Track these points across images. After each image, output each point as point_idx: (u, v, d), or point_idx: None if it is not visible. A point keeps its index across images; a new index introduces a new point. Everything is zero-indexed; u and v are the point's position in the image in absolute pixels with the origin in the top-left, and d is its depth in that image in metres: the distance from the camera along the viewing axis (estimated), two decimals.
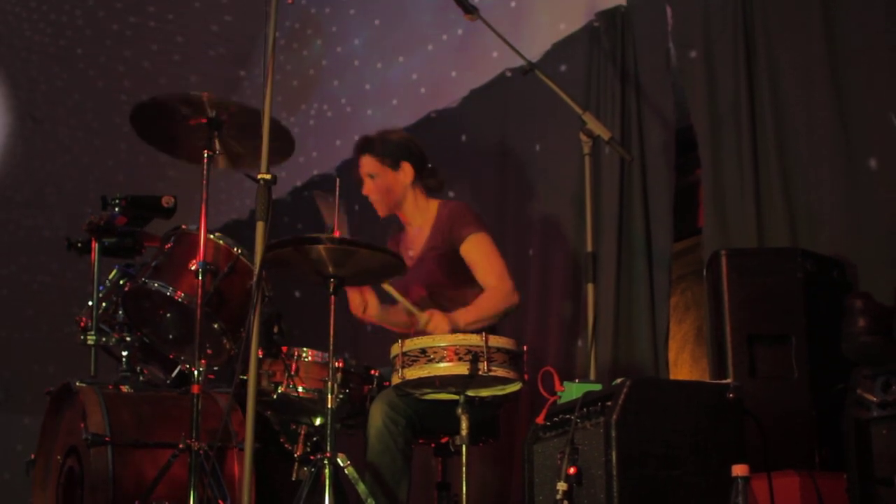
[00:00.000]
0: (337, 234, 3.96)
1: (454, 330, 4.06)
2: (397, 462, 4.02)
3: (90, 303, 4.64)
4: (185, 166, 4.29)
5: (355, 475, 3.79)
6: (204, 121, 4.01)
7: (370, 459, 4.04)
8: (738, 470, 2.74)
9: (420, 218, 4.61)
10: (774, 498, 3.09)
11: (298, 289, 6.73)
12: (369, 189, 4.60)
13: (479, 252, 4.42)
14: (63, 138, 8.49)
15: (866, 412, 2.97)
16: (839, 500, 3.10)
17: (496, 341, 3.58)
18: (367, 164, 4.59)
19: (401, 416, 4.03)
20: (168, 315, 4.37)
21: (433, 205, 4.61)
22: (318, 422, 4.17)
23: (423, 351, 3.59)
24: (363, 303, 4.52)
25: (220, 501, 3.86)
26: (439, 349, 3.58)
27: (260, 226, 3.41)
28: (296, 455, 4.15)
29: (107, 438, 4.01)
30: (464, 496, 3.62)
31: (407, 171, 4.57)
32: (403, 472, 4.04)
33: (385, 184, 4.57)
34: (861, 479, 2.95)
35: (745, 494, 2.72)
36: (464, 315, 4.22)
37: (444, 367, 3.56)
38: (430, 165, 4.66)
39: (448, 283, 4.45)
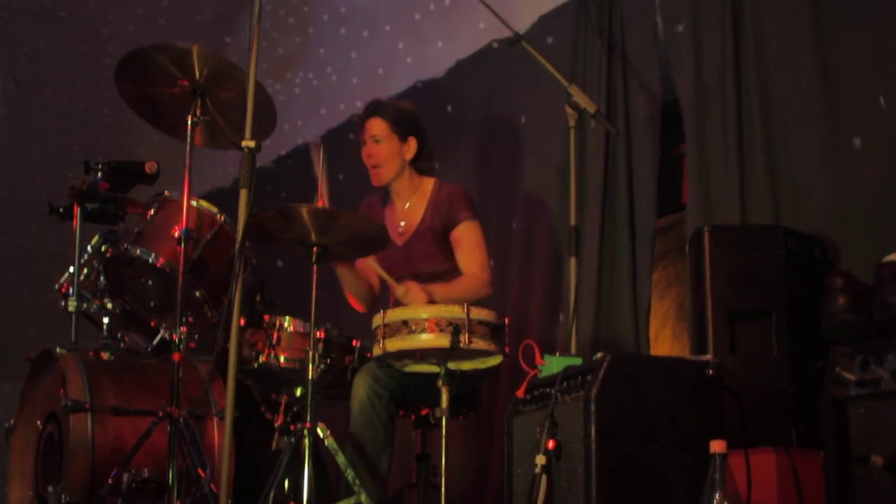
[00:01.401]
0: (321, 204, 3.95)
1: (430, 302, 4.07)
2: (380, 434, 4.04)
3: (71, 269, 4.62)
4: (170, 124, 4.24)
5: (335, 446, 3.80)
6: (187, 83, 3.96)
7: (353, 431, 4.04)
8: (716, 446, 2.75)
9: (414, 195, 4.60)
10: (751, 474, 3.11)
11: (281, 258, 6.71)
12: (371, 151, 4.56)
13: (468, 238, 4.44)
14: (46, 101, 8.44)
15: (844, 390, 2.98)
16: (815, 477, 3.12)
17: (477, 313, 3.58)
18: (376, 125, 4.56)
19: (384, 389, 4.04)
20: (150, 282, 4.37)
21: (428, 183, 4.60)
22: (298, 392, 4.18)
23: (405, 322, 3.59)
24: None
25: (199, 470, 3.87)
26: (420, 321, 3.57)
27: (243, 194, 3.40)
28: (276, 425, 4.15)
29: (87, 405, 4.01)
30: (443, 468, 3.63)
31: (411, 146, 4.57)
32: (385, 444, 4.05)
33: (389, 150, 4.54)
34: (837, 457, 2.96)
35: (721, 471, 2.73)
36: (440, 289, 4.22)
37: (426, 339, 3.56)
38: (428, 149, 4.64)
39: (443, 262, 4.45)
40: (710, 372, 3.18)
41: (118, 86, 4.06)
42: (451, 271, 4.43)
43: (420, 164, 4.62)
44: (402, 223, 4.58)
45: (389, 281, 4.21)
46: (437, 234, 4.47)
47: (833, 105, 4.15)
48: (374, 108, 4.59)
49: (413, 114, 4.63)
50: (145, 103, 4.12)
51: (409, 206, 4.59)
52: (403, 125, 4.56)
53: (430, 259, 4.45)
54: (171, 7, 8.12)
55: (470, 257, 4.42)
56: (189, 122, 3.95)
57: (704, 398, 3.16)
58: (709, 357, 3.32)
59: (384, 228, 4.06)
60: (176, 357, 3.86)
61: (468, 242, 4.44)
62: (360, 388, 4.05)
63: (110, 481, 3.88)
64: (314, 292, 3.87)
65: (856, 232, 4.00)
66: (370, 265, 4.35)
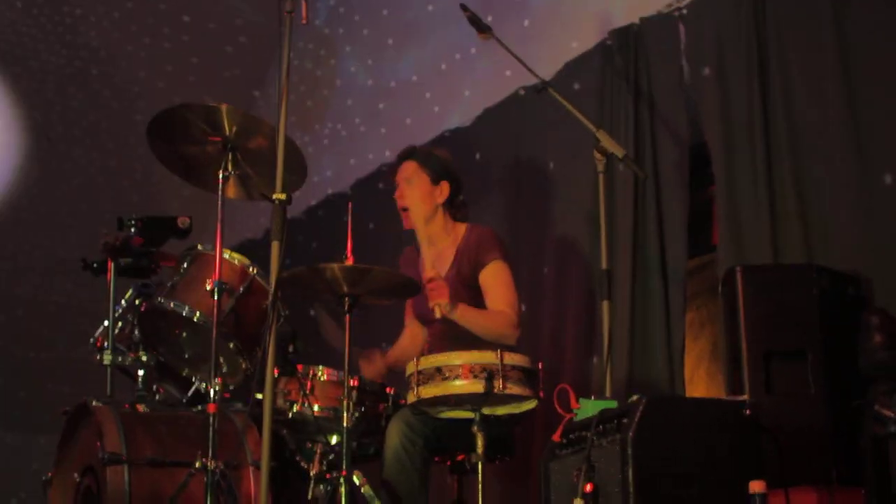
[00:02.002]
0: (350, 261, 3.98)
1: (448, 306, 4.17)
2: (414, 482, 4.02)
3: (106, 322, 4.65)
4: (201, 179, 4.29)
5: (371, 493, 3.79)
6: (219, 139, 4.01)
7: (386, 478, 4.03)
8: (756, 486, 2.74)
9: (446, 239, 4.61)
10: None
11: (313, 308, 6.74)
12: (403, 194, 4.60)
13: (496, 279, 4.44)
14: (78, 159, 8.53)
15: (884, 428, 2.97)
16: None
17: (511, 359, 3.58)
18: (409, 168, 4.62)
19: (418, 436, 4.03)
20: (184, 334, 4.39)
21: (460, 228, 4.62)
22: (333, 440, 4.17)
23: (439, 369, 3.59)
24: (377, 367, 4.55)
25: None
26: (454, 367, 3.58)
27: (275, 245, 3.41)
28: (312, 474, 4.14)
29: (123, 457, 4.02)
30: None
31: (444, 189, 4.60)
32: (420, 492, 4.04)
33: (421, 192, 4.58)
34: (879, 496, 2.94)
35: None
36: (466, 307, 4.27)
37: (460, 385, 3.56)
38: (461, 197, 4.67)
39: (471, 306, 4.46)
40: (747, 412, 3.17)
41: (150, 144, 4.11)
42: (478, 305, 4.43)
43: (454, 211, 4.64)
44: (433, 269, 4.58)
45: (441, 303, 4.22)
46: (465, 278, 4.47)
47: (862, 142, 4.15)
48: (407, 153, 4.67)
49: (446, 160, 4.68)
50: (177, 160, 4.16)
51: (439, 252, 4.60)
52: (436, 169, 4.60)
53: (457, 300, 4.45)
54: (200, 64, 8.22)
55: (498, 296, 4.41)
56: (220, 177, 3.99)
57: (742, 439, 3.15)
58: (745, 397, 3.32)
59: (412, 279, 4.08)
60: (211, 408, 3.86)
61: (496, 282, 4.43)
62: (394, 435, 4.04)
63: None
64: (347, 341, 3.89)
65: (889, 268, 3.98)
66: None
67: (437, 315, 4.22)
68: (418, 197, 4.58)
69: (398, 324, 4.95)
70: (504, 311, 4.37)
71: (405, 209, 4.61)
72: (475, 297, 4.46)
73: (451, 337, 4.30)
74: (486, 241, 4.50)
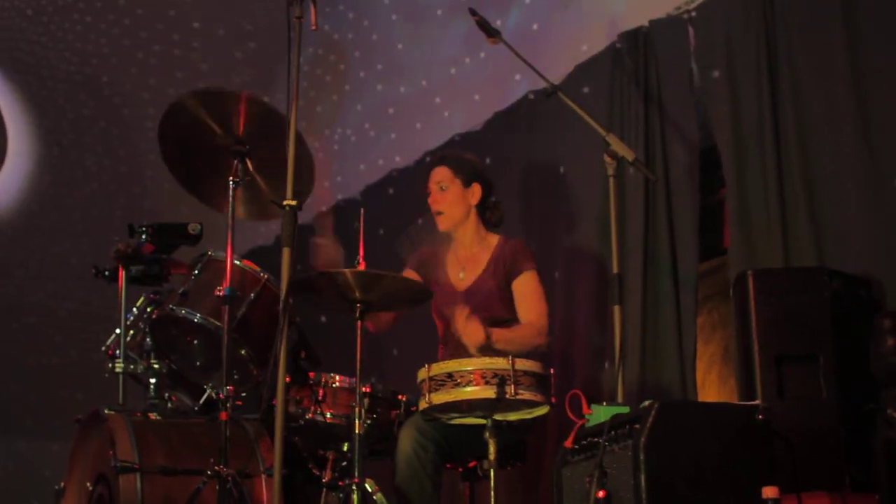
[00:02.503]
0: (362, 266, 3.98)
1: (485, 341, 4.10)
2: (426, 488, 4.02)
3: (118, 330, 4.66)
4: (210, 191, 4.30)
5: (384, 501, 3.79)
6: (229, 143, 4.01)
7: (398, 485, 4.03)
8: (768, 492, 2.73)
9: (477, 246, 4.62)
10: None
11: (325, 314, 6.74)
12: (436, 198, 4.62)
13: (528, 287, 4.46)
14: (89, 166, 8.55)
15: None
16: None
17: (523, 364, 3.57)
18: (441, 173, 4.63)
19: (430, 442, 4.03)
20: (195, 342, 4.39)
21: (493, 238, 4.63)
22: (345, 447, 4.18)
23: (450, 375, 3.59)
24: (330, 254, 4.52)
25: None
26: (466, 373, 3.57)
27: (286, 252, 3.41)
28: (324, 481, 4.15)
29: (136, 466, 4.02)
30: None
31: (476, 191, 4.62)
32: (432, 498, 4.04)
33: (454, 196, 4.59)
34: (892, 500, 2.93)
35: None
36: (498, 332, 4.23)
37: (471, 391, 3.56)
38: (494, 199, 4.68)
39: (503, 312, 4.46)
40: (759, 417, 3.16)
41: (161, 149, 4.13)
42: (510, 321, 4.44)
43: (488, 215, 4.66)
44: (462, 272, 4.58)
45: (457, 309, 4.23)
46: (500, 284, 4.49)
47: (873, 144, 4.14)
48: (439, 158, 4.73)
49: (477, 162, 4.74)
50: (187, 168, 4.18)
51: (474, 255, 4.62)
52: (467, 171, 4.63)
53: (490, 307, 4.46)
54: (209, 70, 8.24)
55: (529, 306, 4.44)
56: (231, 184, 3.99)
57: (754, 443, 3.13)
58: (757, 402, 3.31)
59: (424, 287, 4.08)
60: (223, 416, 3.87)
61: (528, 291, 4.46)
62: (406, 441, 4.04)
63: None
64: (359, 348, 3.89)
65: None
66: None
67: (473, 352, 4.19)
68: (451, 200, 4.60)
69: (409, 330, 4.95)
70: (532, 322, 4.40)
71: (439, 213, 4.62)
72: (507, 301, 4.47)
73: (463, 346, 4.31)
74: (520, 251, 4.53)
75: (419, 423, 4.02)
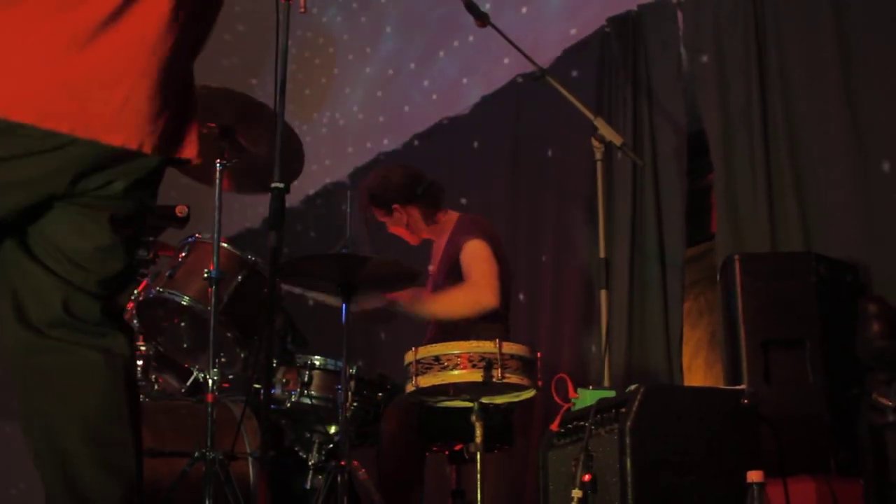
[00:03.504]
0: (347, 248, 3.96)
1: (415, 308, 4.27)
2: (411, 468, 4.03)
3: None
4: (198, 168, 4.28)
5: (369, 483, 3.79)
6: (214, 125, 3.99)
7: (382, 465, 4.04)
8: (754, 476, 2.73)
9: (437, 235, 4.66)
10: None
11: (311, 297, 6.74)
12: (392, 230, 4.71)
13: (471, 256, 4.38)
14: None
15: (882, 417, 2.96)
16: None
17: (510, 348, 3.57)
18: (375, 213, 4.67)
19: (415, 422, 4.04)
20: (182, 324, 4.38)
21: (452, 218, 4.62)
22: (332, 430, 4.18)
23: (437, 358, 3.58)
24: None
25: None
26: (453, 356, 3.57)
27: (273, 234, 3.41)
28: (310, 463, 4.15)
29: None
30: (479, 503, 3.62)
31: (398, 212, 4.61)
32: (416, 478, 4.04)
33: (395, 228, 4.68)
34: (877, 485, 2.94)
35: (760, 500, 2.71)
36: (432, 298, 4.32)
37: (458, 375, 3.55)
38: (419, 191, 4.62)
39: None
40: (745, 401, 3.16)
41: None
42: None
43: (426, 204, 4.61)
44: (433, 262, 4.63)
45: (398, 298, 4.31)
46: (451, 266, 4.47)
47: (860, 130, 4.14)
48: (363, 197, 4.67)
49: (379, 185, 4.63)
50: None
51: (438, 246, 4.65)
52: (381, 203, 4.61)
53: (441, 289, 4.48)
54: None
55: (470, 271, 4.37)
56: (218, 166, 3.98)
57: (740, 428, 3.14)
58: (743, 386, 3.31)
59: (410, 268, 4.06)
60: (209, 398, 3.86)
61: (470, 259, 4.38)
62: (391, 421, 4.05)
63: None
64: (345, 330, 3.89)
65: (887, 256, 3.98)
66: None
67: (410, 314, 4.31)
68: (396, 229, 4.68)
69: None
70: (473, 282, 4.33)
71: (405, 240, 4.74)
72: (456, 281, 4.45)
73: (449, 328, 4.31)
74: (464, 226, 4.51)
75: (405, 404, 4.02)
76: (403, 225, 4.64)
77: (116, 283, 2.39)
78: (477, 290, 4.31)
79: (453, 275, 4.44)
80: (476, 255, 4.39)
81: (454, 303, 4.31)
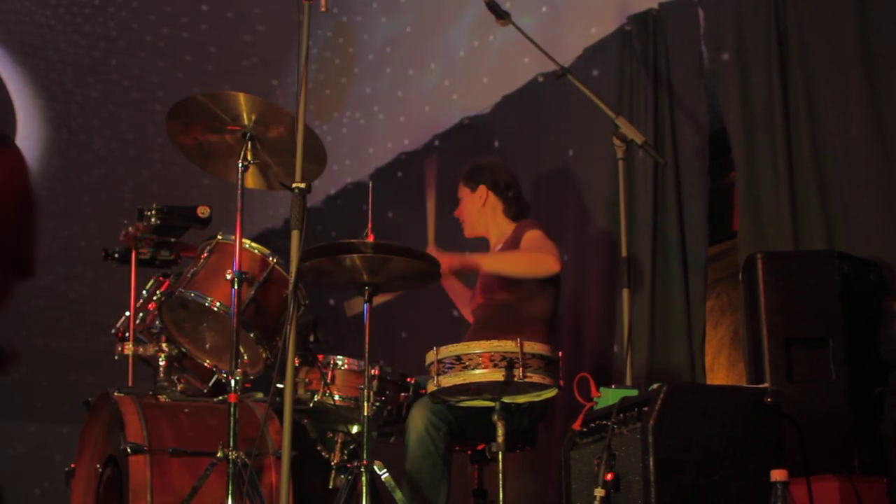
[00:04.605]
0: (371, 238, 3.96)
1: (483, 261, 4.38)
2: (438, 467, 4.04)
3: (127, 313, 4.67)
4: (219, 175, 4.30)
5: (392, 483, 3.80)
6: (237, 128, 4.00)
7: (410, 464, 4.05)
8: (777, 475, 2.72)
9: (498, 240, 4.74)
10: (814, 502, 3.07)
11: (333, 297, 6.75)
12: (458, 211, 4.84)
13: (530, 238, 4.51)
14: (98, 149, 8.57)
15: None
16: None
17: (531, 347, 3.57)
18: (459, 188, 4.84)
19: (442, 422, 4.04)
20: (204, 324, 4.40)
21: (511, 227, 4.69)
22: (354, 430, 4.19)
23: (459, 358, 3.59)
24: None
25: None
26: (474, 356, 3.58)
27: (294, 235, 3.41)
28: (333, 463, 4.16)
29: (145, 447, 4.04)
30: (501, 503, 3.62)
31: (481, 192, 4.74)
32: (443, 477, 4.05)
33: (466, 206, 4.80)
34: None
35: (784, 499, 2.70)
36: (497, 254, 4.55)
37: (480, 374, 3.56)
38: (511, 194, 4.74)
39: (504, 292, 4.51)
40: (769, 400, 3.15)
41: (170, 133, 4.11)
42: (521, 298, 4.46)
43: (506, 207, 4.75)
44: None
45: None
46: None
47: (884, 127, 4.12)
48: (460, 172, 4.87)
49: (485, 164, 4.83)
50: (196, 149, 4.15)
51: (493, 247, 4.76)
52: (471, 177, 4.79)
53: (488, 288, 4.56)
54: (218, 53, 8.24)
55: (531, 242, 4.49)
56: (240, 166, 3.98)
57: (763, 427, 3.13)
58: (766, 385, 3.30)
59: (435, 261, 4.04)
60: (232, 398, 3.87)
61: (528, 241, 4.51)
62: (418, 420, 4.05)
63: None
64: (367, 330, 3.89)
65: None
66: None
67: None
68: (465, 209, 4.81)
69: (417, 313, 4.96)
70: (533, 248, 4.46)
71: (462, 222, 4.84)
72: (510, 283, 4.47)
73: (493, 326, 4.33)
74: (521, 226, 4.62)
75: (430, 404, 4.03)
76: (476, 208, 4.74)
77: None
78: (540, 253, 4.42)
79: (508, 280, 4.48)
80: (537, 237, 4.51)
81: (519, 260, 4.44)
